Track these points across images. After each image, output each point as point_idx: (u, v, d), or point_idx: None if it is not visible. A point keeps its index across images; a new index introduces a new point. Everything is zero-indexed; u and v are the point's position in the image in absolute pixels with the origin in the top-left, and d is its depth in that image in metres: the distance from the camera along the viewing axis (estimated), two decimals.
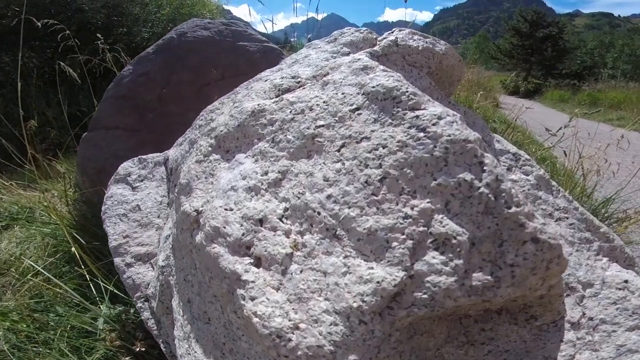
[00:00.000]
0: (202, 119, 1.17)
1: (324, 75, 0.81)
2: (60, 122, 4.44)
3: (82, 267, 1.54)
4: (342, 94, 0.71)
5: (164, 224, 1.24)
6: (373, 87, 0.67)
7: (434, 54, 0.87)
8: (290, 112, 0.75)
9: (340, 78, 0.74)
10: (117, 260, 1.25)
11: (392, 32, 0.94)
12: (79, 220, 1.81)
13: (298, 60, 1.03)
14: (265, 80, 0.95)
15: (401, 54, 0.85)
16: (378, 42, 0.92)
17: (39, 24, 2.12)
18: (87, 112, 5.30)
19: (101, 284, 1.47)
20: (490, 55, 21.58)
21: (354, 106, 0.67)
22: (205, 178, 0.79)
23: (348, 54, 0.95)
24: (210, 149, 0.84)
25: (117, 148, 1.80)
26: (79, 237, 1.63)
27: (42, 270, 1.54)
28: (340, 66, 0.77)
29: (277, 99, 0.79)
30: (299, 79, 0.86)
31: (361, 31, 1.01)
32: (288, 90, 0.84)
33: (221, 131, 0.84)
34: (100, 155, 1.81)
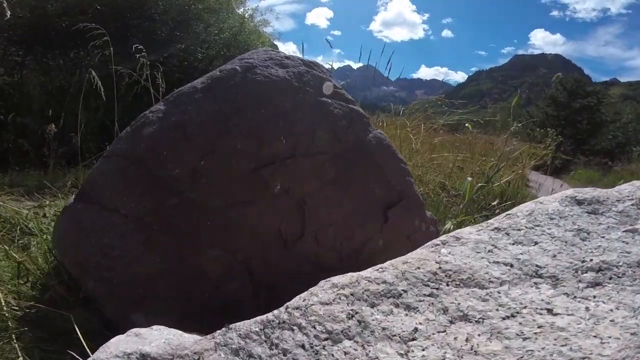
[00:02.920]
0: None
1: None
2: (89, 129, 4.00)
3: None
4: None
5: None
6: None
7: None
8: None
9: None
10: None
11: None
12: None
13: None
14: None
15: None
16: None
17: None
18: (119, 124, 4.86)
19: None
20: (521, 123, 20.64)
21: None
22: None
23: None
24: None
25: (111, 244, 1.11)
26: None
27: None
28: None
29: None
30: None
31: None
32: None
33: None
34: (84, 245, 1.14)
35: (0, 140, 3.25)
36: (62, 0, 5.05)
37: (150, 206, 1.16)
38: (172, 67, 5.88)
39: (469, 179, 2.00)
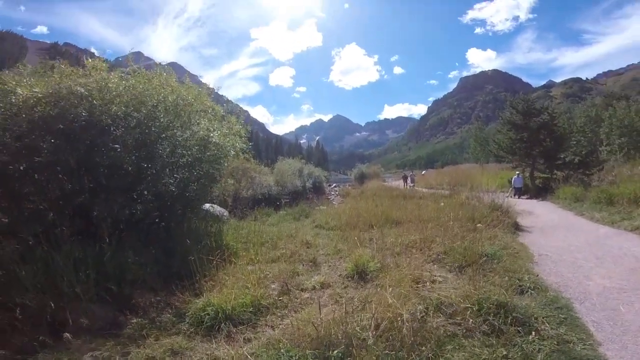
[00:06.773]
0: None
1: None
2: (88, 301, 3.20)
3: None
4: None
5: None
6: None
7: None
8: None
9: None
10: None
11: None
12: None
13: None
14: None
15: None
16: None
17: None
18: (117, 276, 4.01)
19: None
20: (492, 153, 20.71)
21: None
22: None
23: None
24: None
25: None
26: None
27: None
28: None
29: None
30: None
31: None
32: None
33: None
34: None
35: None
36: (13, 137, 4.12)
37: None
38: (149, 203, 5.12)
39: None
